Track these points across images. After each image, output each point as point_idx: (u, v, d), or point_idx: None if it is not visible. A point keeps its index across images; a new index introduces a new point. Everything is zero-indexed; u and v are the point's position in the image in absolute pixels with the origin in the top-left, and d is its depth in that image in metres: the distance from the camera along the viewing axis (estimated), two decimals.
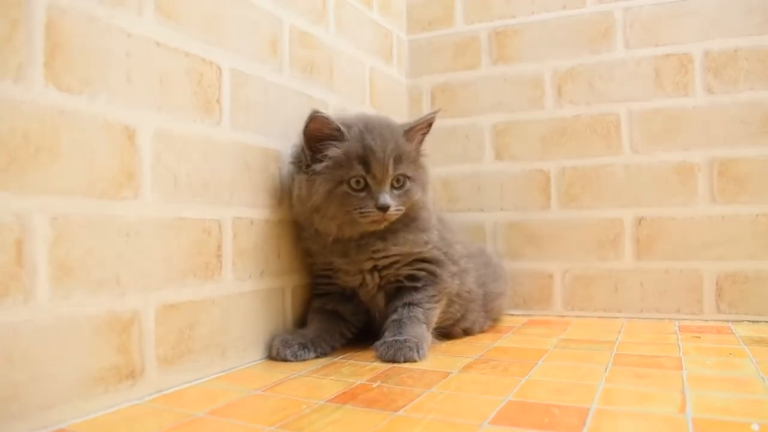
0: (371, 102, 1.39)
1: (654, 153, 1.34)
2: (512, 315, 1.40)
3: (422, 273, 1.02)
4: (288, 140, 1.04)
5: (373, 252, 0.99)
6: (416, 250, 1.01)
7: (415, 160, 1.01)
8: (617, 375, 0.82)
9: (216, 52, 0.89)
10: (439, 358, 0.95)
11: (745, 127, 1.27)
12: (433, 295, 1.02)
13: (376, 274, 1.01)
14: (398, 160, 0.96)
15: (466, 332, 1.14)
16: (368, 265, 1.00)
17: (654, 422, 0.63)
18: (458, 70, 1.54)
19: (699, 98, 1.31)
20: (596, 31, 1.40)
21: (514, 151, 1.47)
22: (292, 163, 1.01)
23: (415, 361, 0.91)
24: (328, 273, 1.05)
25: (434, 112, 1.02)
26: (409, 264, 1.02)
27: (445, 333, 1.09)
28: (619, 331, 1.17)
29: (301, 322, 1.06)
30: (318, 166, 0.94)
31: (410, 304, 1.00)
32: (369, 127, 0.96)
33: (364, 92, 1.37)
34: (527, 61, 1.46)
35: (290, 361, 0.93)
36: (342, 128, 0.94)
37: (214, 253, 0.87)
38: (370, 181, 0.94)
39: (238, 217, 0.92)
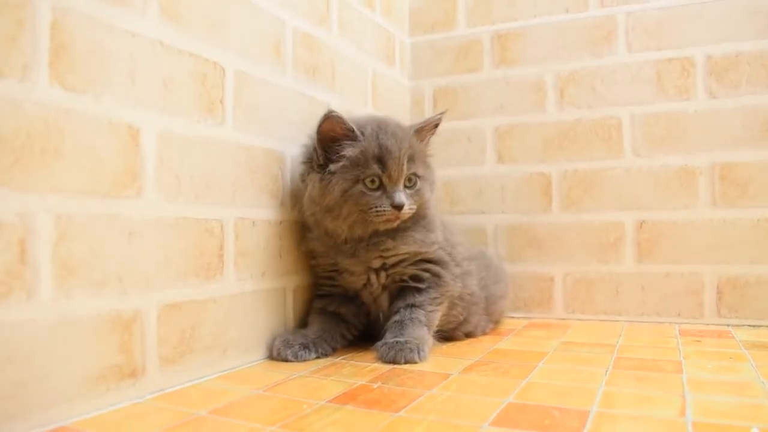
0: (373, 104, 1.40)
1: (655, 156, 1.34)
2: (513, 318, 1.41)
3: (426, 274, 1.03)
4: (290, 141, 1.04)
5: (383, 251, 0.99)
6: (423, 249, 1.02)
7: (425, 159, 1.03)
8: (617, 378, 0.82)
9: (219, 53, 0.89)
10: (440, 360, 0.95)
11: (747, 131, 1.27)
12: (436, 298, 1.02)
13: (382, 273, 1.02)
14: (411, 159, 0.97)
15: (469, 335, 1.14)
16: (377, 263, 1.01)
17: (654, 425, 0.63)
18: (460, 73, 1.54)
19: (701, 102, 1.31)
20: (598, 35, 1.40)
21: (516, 153, 1.47)
22: (304, 162, 1.01)
23: (415, 362, 0.91)
24: (332, 274, 1.05)
25: (441, 114, 1.04)
26: (415, 264, 1.02)
27: (447, 336, 1.09)
28: (620, 335, 1.17)
29: (302, 323, 1.07)
30: (333, 166, 0.94)
31: (412, 305, 1.00)
32: (383, 128, 0.97)
33: (366, 94, 1.37)
34: (529, 64, 1.46)
35: (291, 361, 0.94)
36: (355, 129, 0.94)
37: (216, 253, 0.87)
38: (385, 180, 0.95)
39: (240, 217, 0.93)
